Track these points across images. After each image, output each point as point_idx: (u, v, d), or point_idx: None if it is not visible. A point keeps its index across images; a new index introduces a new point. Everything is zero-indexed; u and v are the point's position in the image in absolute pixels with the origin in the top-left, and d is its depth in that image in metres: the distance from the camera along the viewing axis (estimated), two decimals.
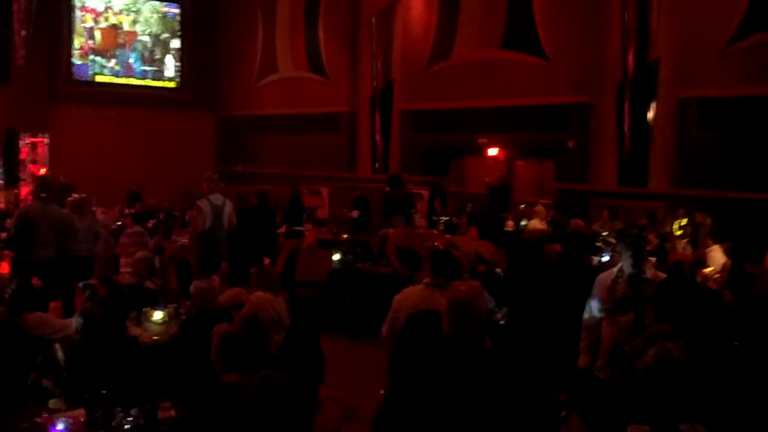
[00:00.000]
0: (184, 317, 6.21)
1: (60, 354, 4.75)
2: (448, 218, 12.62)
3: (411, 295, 4.85)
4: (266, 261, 10.18)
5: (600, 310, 5.25)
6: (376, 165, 19.43)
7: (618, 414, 4.91)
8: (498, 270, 6.24)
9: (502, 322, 5.40)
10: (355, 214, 14.52)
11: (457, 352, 2.96)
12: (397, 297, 4.95)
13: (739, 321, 5.43)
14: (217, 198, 8.94)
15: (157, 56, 22.95)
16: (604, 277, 5.34)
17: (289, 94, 21.56)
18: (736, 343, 4.21)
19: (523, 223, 13.23)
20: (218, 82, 23.71)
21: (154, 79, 22.93)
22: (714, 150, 13.66)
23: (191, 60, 23.32)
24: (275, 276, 6.63)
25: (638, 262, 5.10)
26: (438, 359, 2.98)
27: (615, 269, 5.33)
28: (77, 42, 21.42)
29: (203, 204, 8.85)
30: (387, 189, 14.24)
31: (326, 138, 20.78)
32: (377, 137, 19.38)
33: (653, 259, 9.35)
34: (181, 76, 23.34)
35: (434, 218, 13.91)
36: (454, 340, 2.99)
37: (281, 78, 22.04)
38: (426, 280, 4.82)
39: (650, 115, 14.25)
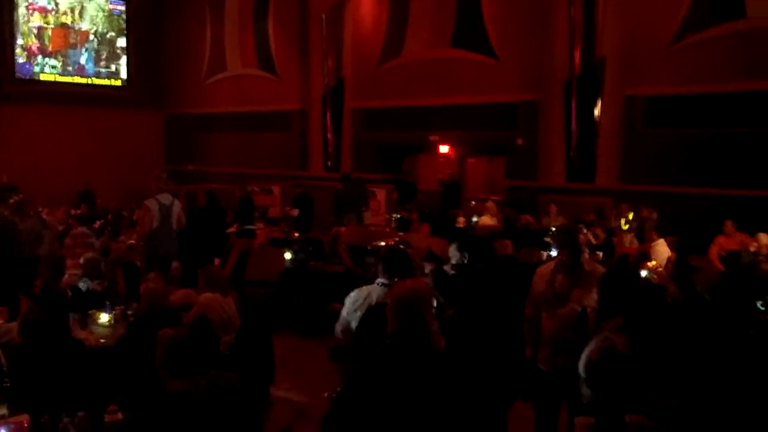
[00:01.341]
0: (131, 319, 6.11)
1: (2, 359, 4.63)
2: (399, 215, 12.66)
3: (365, 294, 4.84)
4: (217, 261, 10.06)
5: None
6: (329, 163, 19.37)
7: (563, 404, 5.00)
8: (446, 267, 6.28)
9: (455, 319, 5.43)
10: (295, 212, 14.41)
11: (400, 351, 2.95)
12: (352, 295, 4.94)
13: (684, 314, 5.57)
14: (165, 197, 8.81)
15: (104, 55, 22.53)
16: (543, 271, 5.40)
17: (239, 92, 21.37)
18: (681, 336, 4.32)
19: (474, 219, 13.35)
20: (166, 80, 23.37)
21: (107, 79, 22.53)
22: (659, 146, 13.98)
23: (138, 58, 22.94)
24: (223, 276, 6.56)
25: (575, 255, 5.17)
26: (382, 358, 2.98)
27: (553, 262, 5.40)
28: (25, 41, 20.92)
29: (151, 204, 8.72)
30: (340, 187, 14.22)
31: (277, 136, 20.65)
32: (329, 135, 19.32)
33: (600, 253, 9.54)
34: (128, 74, 22.95)
35: (394, 215, 13.92)
36: (398, 338, 2.98)
37: (231, 76, 21.83)
38: (379, 279, 4.82)
39: (597, 112, 14.50)
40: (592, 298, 5.02)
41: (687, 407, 3.31)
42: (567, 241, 5.29)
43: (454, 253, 6.02)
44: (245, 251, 10.61)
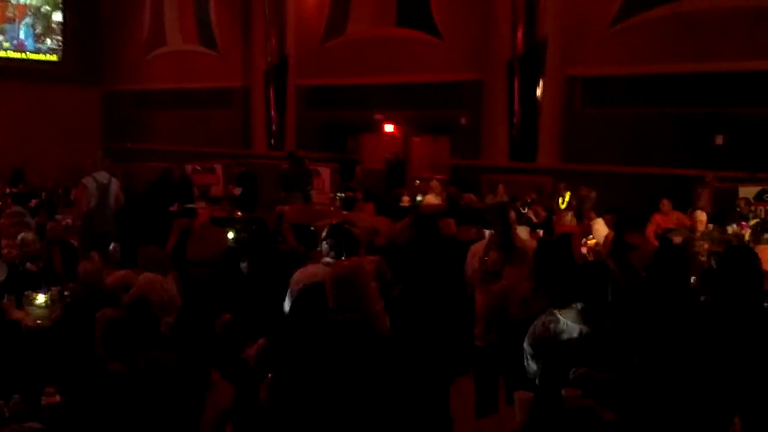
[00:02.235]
0: (68, 300, 5.97)
1: None
2: (344, 194, 12.61)
3: (311, 273, 4.82)
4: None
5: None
6: (272, 141, 19.19)
7: (499, 379, 5.09)
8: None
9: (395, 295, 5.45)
10: (237, 191, 14.23)
11: (338, 328, 2.95)
12: (297, 275, 4.91)
13: (623, 291, 5.70)
14: (102, 176, 8.61)
15: (38, 30, 21.78)
16: (476, 248, 5.45)
17: (180, 68, 20.94)
18: (621, 312, 4.42)
19: (418, 198, 13.39)
20: (104, 56, 22.73)
21: (45, 54, 21.79)
22: (598, 126, 14.24)
23: (75, 32, 22.24)
24: (163, 256, 6.45)
25: (506, 232, 5.24)
26: (319, 336, 2.97)
27: (486, 240, 5.46)
28: None
29: (88, 182, 8.51)
30: (285, 166, 14.10)
31: (219, 114, 20.34)
32: (272, 113, 19.11)
33: (540, 231, 9.69)
34: (64, 50, 22.23)
35: (339, 194, 13.85)
36: (337, 315, 2.98)
37: (171, 51, 21.36)
38: (325, 257, 4.81)
39: (538, 92, 14.67)
40: (524, 275, 5.10)
41: (623, 381, 3.39)
42: (498, 218, 5.34)
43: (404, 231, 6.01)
44: (186, 230, 10.43)
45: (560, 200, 11.91)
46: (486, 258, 5.25)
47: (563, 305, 3.93)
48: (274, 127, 19.12)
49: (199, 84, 20.42)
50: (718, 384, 3.23)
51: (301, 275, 4.82)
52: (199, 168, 16.23)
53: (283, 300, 4.86)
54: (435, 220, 8.47)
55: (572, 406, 3.39)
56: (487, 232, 9.30)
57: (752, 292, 4.13)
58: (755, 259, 4.30)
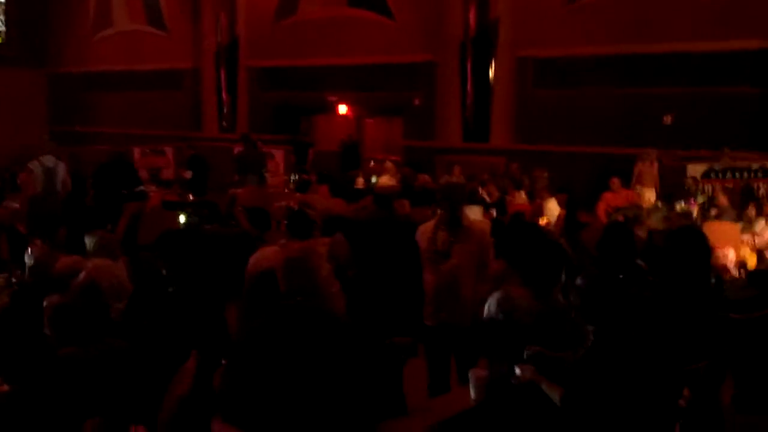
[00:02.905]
0: (15, 287, 5.83)
1: None
2: (298, 177, 12.55)
3: (267, 256, 4.78)
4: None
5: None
6: (224, 123, 18.94)
7: (450, 358, 5.12)
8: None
9: (352, 277, 5.45)
10: (188, 174, 14.02)
11: (291, 312, 2.94)
12: (252, 259, 4.87)
13: (575, 269, 5.78)
14: (48, 160, 8.41)
15: None
16: (425, 227, 5.47)
17: (128, 49, 20.48)
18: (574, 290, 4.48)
19: (373, 179, 13.38)
20: (49, 37, 22.10)
21: None
22: (549, 107, 14.38)
23: (18, 14, 21.56)
24: (113, 241, 6.33)
25: (454, 212, 5.27)
26: (271, 320, 2.96)
27: (435, 220, 5.47)
28: None
29: (34, 166, 8.31)
30: (239, 149, 13.94)
31: (169, 95, 19.98)
32: (223, 95, 18.86)
33: (494, 211, 9.77)
34: (8, 32, 21.56)
35: (293, 176, 13.75)
36: (289, 299, 2.96)
37: (118, 32, 20.88)
38: (281, 240, 4.77)
39: (491, 73, 14.74)
40: (472, 253, 5.13)
41: (577, 360, 3.44)
42: (447, 198, 5.36)
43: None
44: (137, 215, 10.28)
45: (513, 180, 12.02)
46: (435, 238, 5.27)
47: (518, 284, 3.97)
48: (225, 109, 18.88)
49: (147, 65, 20.01)
50: (667, 360, 3.30)
51: (255, 260, 4.78)
52: (148, 151, 15.95)
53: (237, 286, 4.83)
54: (392, 200, 8.49)
55: (524, 383, 3.43)
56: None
57: (699, 273, 4.24)
58: (703, 241, 4.41)
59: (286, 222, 4.94)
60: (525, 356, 3.57)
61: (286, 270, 3.08)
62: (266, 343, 2.89)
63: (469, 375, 3.49)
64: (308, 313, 2.97)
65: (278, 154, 15.61)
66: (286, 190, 12.05)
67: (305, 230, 4.68)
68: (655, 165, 11.58)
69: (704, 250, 4.31)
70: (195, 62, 19.51)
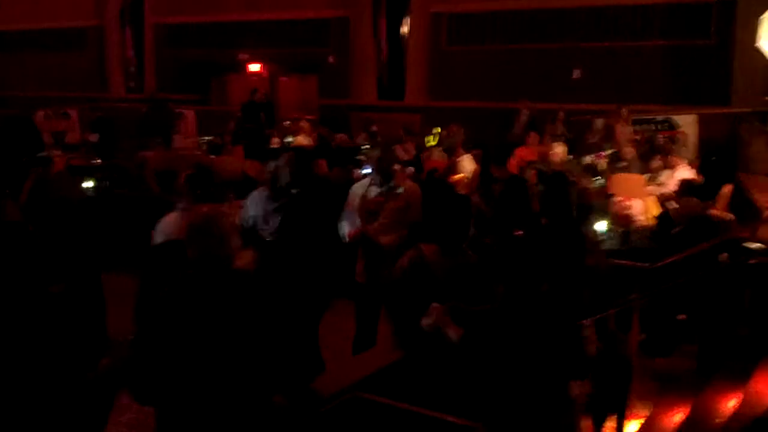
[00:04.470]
0: None
1: None
2: (210, 138, 12.25)
3: (173, 221, 4.65)
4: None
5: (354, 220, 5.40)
6: (131, 84, 18.29)
7: (379, 315, 5.16)
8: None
9: (269, 239, 5.37)
10: (94, 137, 13.47)
11: (199, 279, 2.87)
12: (159, 225, 4.73)
13: (488, 222, 5.88)
14: None
15: None
16: (357, 188, 5.49)
17: (26, 7, 19.38)
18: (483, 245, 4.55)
19: (288, 139, 13.18)
20: None
21: None
22: (464, 63, 14.44)
23: None
24: (15, 209, 6.04)
25: (387, 173, 5.30)
26: (178, 290, 2.88)
27: (368, 179, 5.49)
28: None
29: None
30: (145, 109, 13.49)
31: (72, 55, 19.11)
32: (129, 53, 18.18)
33: (411, 168, 9.79)
34: None
35: (205, 137, 13.38)
36: (196, 266, 2.88)
37: None
38: (180, 204, 4.65)
39: (404, 29, 14.66)
40: (401, 210, 5.16)
41: (492, 312, 3.49)
42: (381, 157, 5.40)
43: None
44: (40, 180, 9.83)
45: (429, 138, 12.07)
46: (367, 197, 5.28)
47: (428, 240, 3.99)
48: (132, 69, 18.22)
49: (47, 23, 19.03)
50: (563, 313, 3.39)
51: (162, 225, 4.64)
52: (51, 114, 15.24)
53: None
54: (311, 159, 8.40)
55: (433, 329, 3.48)
56: (360, 172, 9.36)
57: (563, 214, 4.40)
58: (566, 185, 4.60)
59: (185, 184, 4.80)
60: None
61: (190, 236, 2.97)
62: (174, 314, 2.82)
63: (430, 308, 3.51)
64: (217, 280, 2.90)
65: (189, 115, 15.13)
66: (198, 152, 11.73)
67: (207, 192, 4.55)
68: (629, 125, 11.33)
69: (566, 195, 4.50)
70: (98, 19, 18.68)
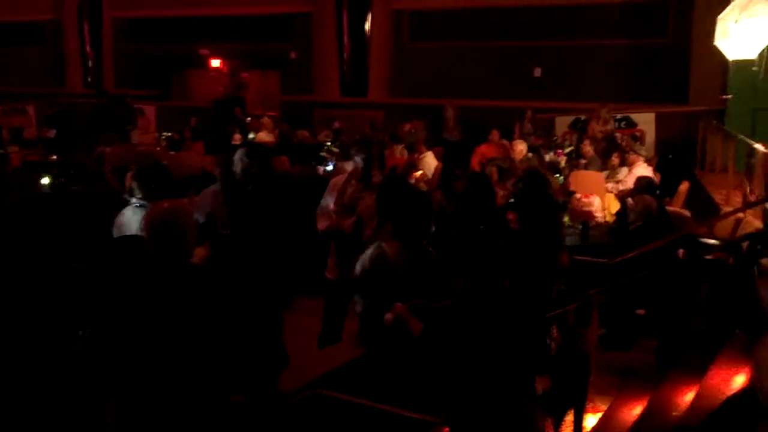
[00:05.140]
0: None
1: None
2: (170, 134, 12.11)
3: (130, 216, 4.59)
4: None
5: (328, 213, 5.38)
6: (89, 79, 17.98)
7: (346, 311, 5.14)
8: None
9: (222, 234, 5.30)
10: (52, 133, 13.22)
11: (159, 274, 2.83)
12: (118, 219, 4.65)
13: (450, 219, 5.89)
14: None
15: None
16: (336, 181, 5.46)
17: None
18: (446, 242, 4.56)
19: (251, 135, 13.08)
20: None
21: None
22: (426, 60, 14.47)
23: None
24: None
25: (368, 168, 5.28)
26: (137, 284, 2.84)
27: (346, 174, 5.48)
28: None
29: None
30: (103, 105, 13.27)
31: (29, 50, 18.73)
32: (87, 48, 17.86)
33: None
34: None
35: (165, 133, 13.20)
36: (157, 261, 2.85)
37: None
38: (133, 200, 4.58)
39: (367, 26, 14.63)
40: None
41: (453, 308, 3.50)
42: (360, 153, 5.38)
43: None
44: None
45: (393, 135, 12.06)
46: (343, 192, 5.25)
47: (390, 237, 3.97)
48: (90, 64, 17.90)
49: (4, 17, 18.59)
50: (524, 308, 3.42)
51: (119, 221, 4.57)
52: (8, 109, 14.93)
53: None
54: (270, 154, 8.31)
55: (395, 324, 3.48)
56: (321, 169, 9.32)
57: (544, 215, 4.43)
58: (545, 184, 4.63)
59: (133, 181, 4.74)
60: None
61: (151, 231, 2.94)
62: (133, 309, 2.78)
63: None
64: (176, 275, 2.86)
65: (149, 111, 14.94)
66: (158, 148, 11.59)
67: (162, 188, 4.48)
68: (609, 123, 11.32)
69: (546, 194, 4.52)
70: (56, 13, 18.33)
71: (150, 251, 2.89)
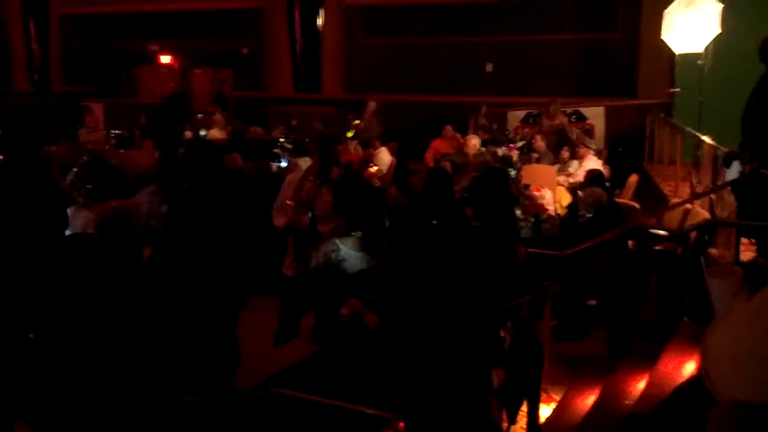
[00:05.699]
0: None
1: None
2: (119, 132, 11.88)
3: (77, 215, 4.49)
4: None
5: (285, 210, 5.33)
6: (35, 77, 17.57)
7: (304, 308, 5.11)
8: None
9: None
10: None
11: (110, 273, 2.78)
12: (64, 219, 4.54)
13: (405, 214, 5.89)
14: None
15: None
16: (293, 177, 5.41)
17: None
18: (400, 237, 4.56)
19: (202, 133, 12.91)
20: None
21: None
22: (379, 56, 14.46)
23: None
24: None
25: (325, 164, 5.25)
26: (87, 283, 2.78)
27: (303, 170, 5.43)
28: None
29: None
30: (46, 102, 12.99)
31: None
32: (33, 46, 17.45)
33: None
34: None
35: (113, 131, 12.95)
36: (107, 260, 2.79)
37: None
38: (79, 200, 4.48)
39: (320, 22, 14.57)
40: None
41: (407, 303, 3.50)
42: (317, 149, 5.34)
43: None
44: None
45: (351, 132, 12.03)
46: (301, 188, 5.20)
47: (344, 234, 3.96)
48: (36, 61, 17.49)
49: None
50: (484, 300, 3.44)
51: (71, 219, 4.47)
52: None
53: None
54: (217, 152, 8.19)
55: (350, 319, 3.47)
56: (274, 165, 9.24)
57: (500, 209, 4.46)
58: (503, 179, 4.66)
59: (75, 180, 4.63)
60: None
61: (101, 230, 2.88)
62: (82, 309, 2.72)
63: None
64: (128, 274, 2.81)
65: (97, 108, 14.65)
66: (106, 147, 11.37)
67: (105, 186, 4.40)
68: (558, 118, 11.37)
69: (506, 190, 4.56)
70: (0, 11, 17.90)
71: (98, 250, 2.84)
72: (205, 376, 3.23)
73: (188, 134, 12.74)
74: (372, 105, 12.46)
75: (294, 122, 12.82)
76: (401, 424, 2.89)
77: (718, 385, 2.05)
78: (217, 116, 13.16)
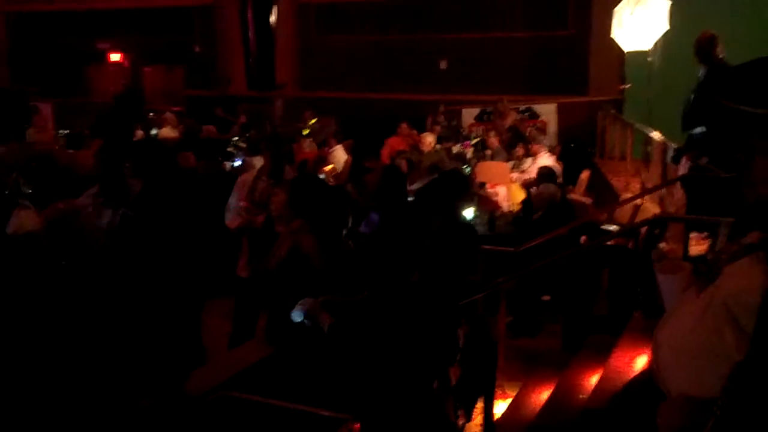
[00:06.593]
0: None
1: None
2: (68, 131, 11.63)
3: (23, 216, 4.39)
4: None
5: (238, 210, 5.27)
6: None
7: (259, 309, 5.06)
8: None
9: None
10: None
11: (66, 273, 2.73)
12: (12, 218, 4.45)
13: (361, 212, 5.88)
14: None
15: None
16: (245, 178, 5.35)
17: None
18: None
19: (153, 132, 12.71)
20: None
21: None
22: (334, 53, 14.40)
23: None
24: None
25: (278, 163, 5.21)
26: (37, 283, 2.73)
27: (256, 171, 5.38)
28: None
29: None
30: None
31: None
32: None
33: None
34: None
35: (62, 131, 12.67)
36: (54, 263, 2.74)
37: None
38: (24, 201, 4.39)
39: (272, 19, 14.45)
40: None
41: (364, 301, 3.48)
42: (269, 148, 5.29)
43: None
44: None
45: (306, 131, 11.96)
46: (254, 189, 5.14)
47: (306, 231, 3.93)
48: None
49: None
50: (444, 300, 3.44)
51: (13, 220, 4.37)
52: None
53: None
54: (171, 152, 8.08)
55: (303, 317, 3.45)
56: (228, 165, 9.15)
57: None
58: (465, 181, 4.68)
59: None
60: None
61: (48, 232, 2.82)
62: (34, 309, 2.66)
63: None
64: (81, 274, 2.76)
65: (45, 108, 14.30)
66: (56, 147, 11.11)
67: (51, 187, 4.32)
68: (510, 116, 11.34)
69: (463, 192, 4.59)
70: None
71: (48, 250, 2.78)
72: (162, 378, 3.18)
73: (139, 133, 12.55)
74: (279, 102, 12.36)
75: (243, 119, 12.71)
76: (357, 425, 2.88)
77: (667, 379, 2.08)
78: (168, 115, 12.98)
